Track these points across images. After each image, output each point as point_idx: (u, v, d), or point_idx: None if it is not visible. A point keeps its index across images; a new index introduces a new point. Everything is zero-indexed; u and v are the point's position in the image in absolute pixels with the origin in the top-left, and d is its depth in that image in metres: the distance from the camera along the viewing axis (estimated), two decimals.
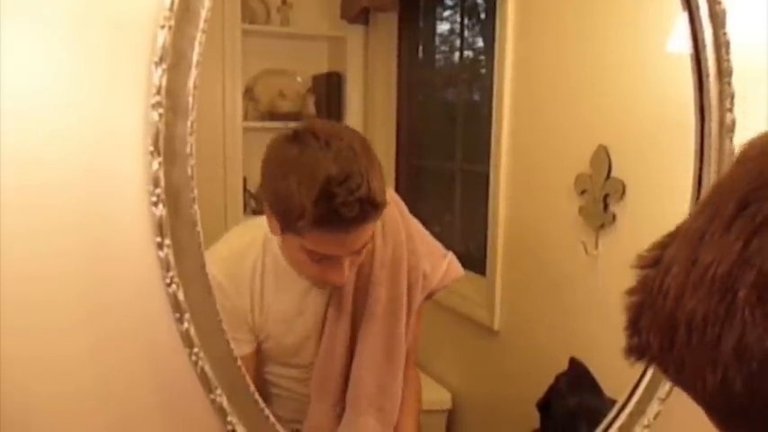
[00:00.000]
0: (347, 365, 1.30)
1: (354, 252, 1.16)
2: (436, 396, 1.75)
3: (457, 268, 1.41)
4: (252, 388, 1.08)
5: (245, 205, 1.56)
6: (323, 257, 1.15)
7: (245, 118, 1.59)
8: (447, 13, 1.98)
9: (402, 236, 1.32)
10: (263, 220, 1.20)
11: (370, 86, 1.76)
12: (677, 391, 1.47)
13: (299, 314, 1.28)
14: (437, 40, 1.99)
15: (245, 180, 1.56)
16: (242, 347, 1.18)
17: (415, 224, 1.37)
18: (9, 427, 0.98)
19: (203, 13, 0.97)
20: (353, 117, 1.72)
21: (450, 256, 1.40)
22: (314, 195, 1.06)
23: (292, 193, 1.08)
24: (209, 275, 1.04)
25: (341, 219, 1.07)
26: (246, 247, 1.27)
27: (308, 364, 1.31)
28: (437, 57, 2.02)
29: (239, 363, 1.06)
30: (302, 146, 1.11)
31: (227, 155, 1.52)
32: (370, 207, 1.10)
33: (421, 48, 1.95)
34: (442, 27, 1.98)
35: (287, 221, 1.12)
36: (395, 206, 1.32)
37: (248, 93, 1.62)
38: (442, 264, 1.38)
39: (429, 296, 1.40)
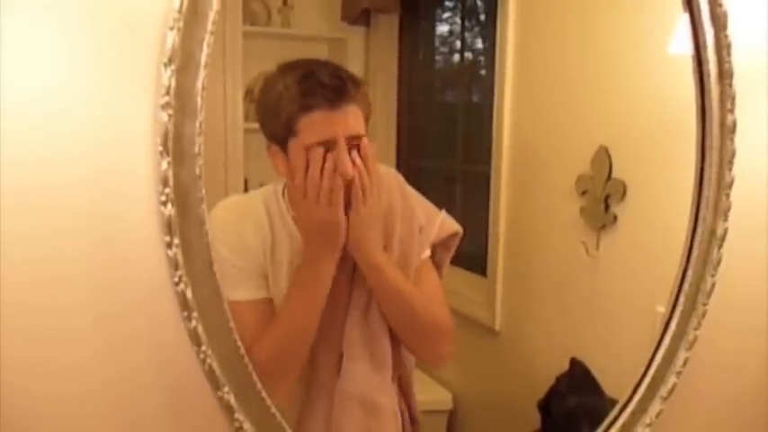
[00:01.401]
0: (346, 313, 1.33)
1: (349, 136, 1.20)
2: (437, 396, 1.76)
3: (452, 223, 1.45)
4: (259, 385, 1.08)
5: None
6: (324, 150, 1.19)
7: (246, 119, 1.58)
8: (447, 15, 1.98)
9: (396, 192, 1.39)
10: (256, 191, 1.34)
11: (370, 88, 1.75)
12: (679, 389, 1.49)
13: None
14: (437, 41, 1.99)
15: (245, 181, 1.56)
16: (260, 292, 1.26)
17: (412, 190, 1.43)
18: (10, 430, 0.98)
19: (211, 15, 0.97)
20: None
21: (444, 212, 1.45)
22: (298, 76, 1.19)
23: (279, 90, 1.20)
24: (215, 227, 1.12)
25: (324, 90, 1.17)
26: (247, 202, 1.36)
27: None
28: (437, 58, 2.02)
29: (245, 360, 1.07)
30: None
31: (228, 156, 1.53)
32: (350, 82, 1.20)
33: (421, 49, 1.96)
34: (443, 28, 1.99)
35: (279, 124, 1.20)
36: (388, 174, 1.40)
37: (249, 94, 1.62)
38: (436, 218, 1.43)
39: (438, 266, 1.44)
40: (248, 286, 1.25)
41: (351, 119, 1.20)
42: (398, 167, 1.76)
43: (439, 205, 1.44)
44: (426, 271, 1.41)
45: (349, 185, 1.21)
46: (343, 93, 1.18)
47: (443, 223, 1.44)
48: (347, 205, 1.22)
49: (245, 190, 1.55)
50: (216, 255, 1.07)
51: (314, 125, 1.18)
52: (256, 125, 1.61)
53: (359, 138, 1.21)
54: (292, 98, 1.18)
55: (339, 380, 1.32)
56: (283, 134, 1.20)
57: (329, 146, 1.19)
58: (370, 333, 1.34)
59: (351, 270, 1.32)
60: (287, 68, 1.23)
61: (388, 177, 1.39)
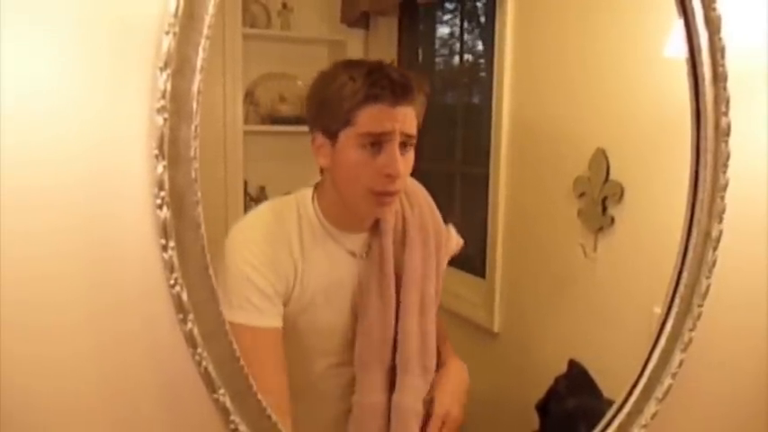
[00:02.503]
0: (396, 330, 1.33)
1: (403, 134, 1.21)
2: None
3: (459, 238, 1.50)
4: (255, 388, 1.09)
5: (246, 208, 1.57)
6: (376, 142, 1.20)
7: (246, 121, 1.59)
8: (447, 17, 1.98)
9: (424, 203, 1.42)
10: (287, 198, 1.32)
11: None
12: (675, 391, 1.49)
13: (338, 283, 1.31)
14: (437, 43, 2.00)
15: (245, 183, 1.57)
16: (270, 320, 1.24)
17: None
18: (9, 427, 0.99)
19: (207, 20, 0.97)
20: None
21: (452, 227, 1.49)
22: (366, 69, 1.19)
23: (343, 80, 1.19)
24: (244, 241, 1.21)
25: (393, 84, 1.17)
26: (282, 211, 1.33)
27: (343, 348, 1.34)
28: (437, 60, 2.02)
29: (242, 362, 1.07)
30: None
31: (227, 158, 1.53)
32: (414, 83, 1.21)
33: (421, 51, 1.96)
34: (442, 31, 1.99)
35: (339, 114, 1.19)
36: (417, 186, 1.43)
37: (249, 96, 1.63)
38: (450, 232, 1.47)
39: None
40: (270, 313, 1.24)
41: (408, 119, 1.21)
42: None
43: (438, 206, 1.45)
44: None
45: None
46: (408, 91, 1.20)
47: (456, 238, 1.48)
48: None
49: (245, 191, 1.56)
50: (238, 274, 1.07)
51: (374, 117, 1.18)
52: (256, 127, 1.63)
53: (410, 137, 1.22)
54: (358, 89, 1.18)
55: (397, 394, 1.32)
56: (339, 124, 1.20)
57: (382, 138, 1.19)
58: (424, 344, 1.36)
59: (393, 279, 1.33)
60: (350, 63, 1.25)
61: (417, 190, 1.42)
